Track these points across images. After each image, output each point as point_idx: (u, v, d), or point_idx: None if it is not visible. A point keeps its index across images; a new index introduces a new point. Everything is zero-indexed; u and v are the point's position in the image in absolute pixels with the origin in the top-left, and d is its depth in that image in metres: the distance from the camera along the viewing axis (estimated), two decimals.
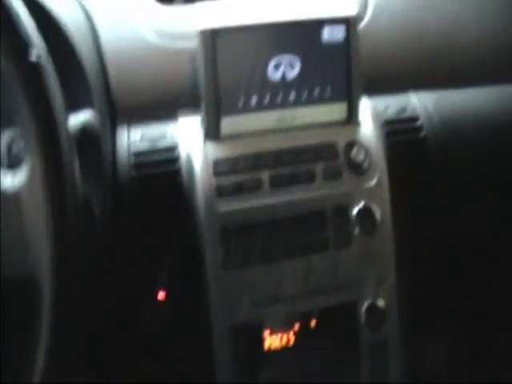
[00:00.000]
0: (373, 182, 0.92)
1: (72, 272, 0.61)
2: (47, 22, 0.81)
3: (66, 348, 0.61)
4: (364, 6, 1.06)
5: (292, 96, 0.92)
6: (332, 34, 0.91)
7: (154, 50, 0.96)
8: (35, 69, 0.59)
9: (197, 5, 1.01)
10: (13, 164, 0.68)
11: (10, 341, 0.61)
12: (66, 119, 0.64)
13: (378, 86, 1.03)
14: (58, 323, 0.60)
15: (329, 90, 0.93)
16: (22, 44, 0.59)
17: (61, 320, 0.60)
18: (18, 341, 0.61)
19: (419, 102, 1.03)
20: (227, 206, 0.87)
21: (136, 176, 0.89)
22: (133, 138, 0.92)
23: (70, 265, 0.61)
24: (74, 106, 0.80)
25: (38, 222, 0.59)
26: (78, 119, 0.75)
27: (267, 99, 0.91)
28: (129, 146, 0.91)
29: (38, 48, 0.60)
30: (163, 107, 0.95)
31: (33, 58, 0.59)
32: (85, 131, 0.75)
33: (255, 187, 0.88)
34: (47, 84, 0.60)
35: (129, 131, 0.93)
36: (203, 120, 0.91)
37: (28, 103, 0.58)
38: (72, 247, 0.61)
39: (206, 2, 0.99)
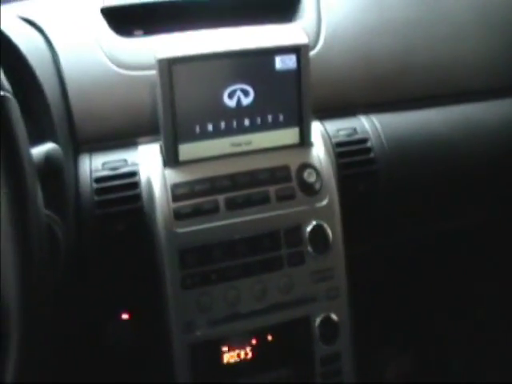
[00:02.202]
0: (324, 202, 0.97)
1: (39, 294, 0.64)
2: (8, 53, 0.84)
3: (33, 369, 0.64)
4: (316, 35, 1.11)
5: (247, 122, 0.96)
6: (284, 63, 0.96)
7: (114, 80, 1.00)
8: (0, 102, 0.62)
9: (155, 37, 1.05)
10: None
11: None
12: (29, 150, 0.67)
13: (330, 110, 1.08)
14: (26, 348, 0.62)
15: (282, 115, 0.97)
16: None
17: (30, 344, 0.62)
18: None
19: (369, 125, 1.08)
20: (185, 228, 0.90)
21: (98, 201, 0.92)
22: (94, 165, 0.95)
23: (37, 288, 0.63)
24: (37, 136, 0.83)
25: (4, 248, 0.61)
26: (41, 150, 0.78)
27: (223, 125, 0.95)
28: (91, 172, 0.94)
29: (1, 81, 0.63)
30: (124, 135, 0.99)
31: None
32: (48, 162, 0.78)
33: (212, 209, 0.92)
34: (11, 116, 0.63)
35: (90, 158, 0.96)
36: (162, 147, 0.95)
37: None
38: (38, 270, 0.63)
39: (164, 35, 1.03)
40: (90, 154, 0.97)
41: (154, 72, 0.93)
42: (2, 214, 0.61)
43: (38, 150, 0.77)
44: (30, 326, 0.62)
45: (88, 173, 0.94)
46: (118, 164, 0.95)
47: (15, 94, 0.66)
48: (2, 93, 0.63)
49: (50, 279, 0.76)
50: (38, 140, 0.81)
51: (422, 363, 1.51)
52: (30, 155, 0.66)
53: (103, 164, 0.95)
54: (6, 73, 0.65)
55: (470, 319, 1.53)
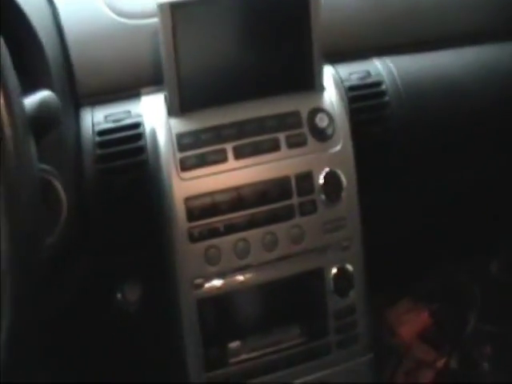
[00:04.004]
0: (337, 148, 0.92)
1: (31, 250, 0.61)
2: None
3: (27, 338, 0.61)
4: None
5: (254, 67, 0.91)
6: (293, 4, 0.90)
7: (115, 29, 0.96)
8: None
9: None
10: None
11: None
12: (19, 97, 0.63)
13: (342, 53, 1.03)
14: (17, 309, 0.59)
15: (291, 59, 0.92)
16: None
17: (20, 306, 0.60)
18: None
19: (383, 68, 1.03)
20: (192, 179, 0.87)
21: (101, 154, 0.89)
22: (97, 118, 0.92)
23: (28, 242, 0.61)
24: (33, 85, 0.80)
25: None
26: (35, 98, 0.74)
27: (229, 71, 0.91)
28: (93, 125, 0.91)
29: None
30: (127, 87, 0.95)
31: None
32: (42, 110, 0.74)
33: (220, 159, 0.88)
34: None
35: (92, 112, 0.93)
36: (166, 96, 0.91)
37: None
38: (29, 224, 0.61)
39: None
40: (92, 108, 0.94)
41: (156, 20, 0.89)
42: None
43: (32, 99, 0.74)
44: (21, 286, 0.59)
45: (90, 126, 0.91)
46: (121, 116, 0.92)
47: (8, 42, 0.62)
48: None
49: (48, 234, 0.74)
50: (34, 89, 0.77)
51: (440, 318, 1.48)
52: (20, 103, 0.63)
53: (106, 117, 0.92)
54: None
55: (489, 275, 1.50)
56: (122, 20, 0.97)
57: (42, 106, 0.74)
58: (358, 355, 0.97)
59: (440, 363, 1.39)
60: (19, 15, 0.84)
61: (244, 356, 0.92)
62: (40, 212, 0.65)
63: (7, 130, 0.59)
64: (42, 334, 0.67)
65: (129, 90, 0.95)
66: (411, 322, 1.45)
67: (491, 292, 1.49)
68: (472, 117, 1.08)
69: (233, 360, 0.91)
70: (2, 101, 0.59)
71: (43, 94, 0.75)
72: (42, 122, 0.74)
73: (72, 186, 0.86)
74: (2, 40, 0.61)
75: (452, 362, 1.41)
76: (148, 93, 0.95)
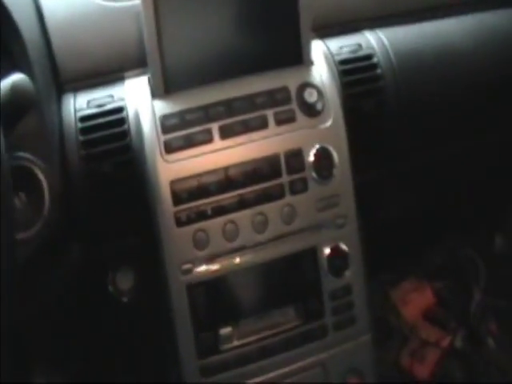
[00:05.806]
0: (328, 124, 0.89)
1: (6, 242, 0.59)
2: None
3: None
4: None
5: (240, 43, 0.88)
6: None
7: (97, 12, 0.94)
8: None
9: None
10: None
11: None
12: None
13: (332, 26, 1.01)
14: None
15: (279, 33, 0.89)
16: None
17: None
18: None
19: (374, 40, 1.00)
20: (177, 161, 0.84)
21: (83, 140, 0.87)
22: (79, 104, 0.90)
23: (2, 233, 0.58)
24: (10, 70, 0.77)
25: None
26: (7, 82, 0.72)
27: (215, 49, 0.88)
28: (75, 111, 0.89)
29: None
30: (110, 70, 0.93)
31: None
32: (14, 94, 0.72)
33: (205, 139, 0.85)
34: None
35: (75, 97, 0.91)
36: (149, 77, 0.88)
37: None
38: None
39: None
40: (75, 93, 0.92)
41: (138, 1, 0.86)
42: None
43: (3, 83, 0.71)
44: None
45: (72, 112, 0.89)
46: (103, 101, 0.90)
47: None
48: None
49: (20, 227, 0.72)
50: (10, 74, 0.75)
51: (444, 296, 1.46)
52: None
53: (88, 102, 0.90)
54: None
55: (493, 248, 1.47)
56: (104, 3, 0.95)
57: (14, 90, 0.71)
58: (355, 337, 0.94)
59: (445, 342, 1.38)
60: None
61: (236, 342, 0.89)
62: (13, 202, 0.62)
63: None
64: (32, 327, 0.65)
65: (113, 73, 0.93)
66: (415, 301, 1.43)
67: (496, 266, 1.47)
68: (471, 85, 1.04)
69: (225, 346, 0.89)
70: None
71: (15, 78, 0.73)
72: (15, 107, 0.71)
73: (55, 173, 0.83)
74: None
75: (457, 340, 1.39)
76: (132, 76, 0.93)
